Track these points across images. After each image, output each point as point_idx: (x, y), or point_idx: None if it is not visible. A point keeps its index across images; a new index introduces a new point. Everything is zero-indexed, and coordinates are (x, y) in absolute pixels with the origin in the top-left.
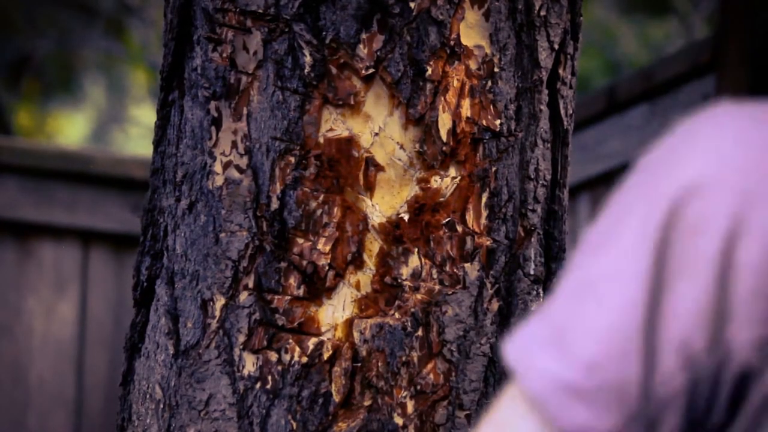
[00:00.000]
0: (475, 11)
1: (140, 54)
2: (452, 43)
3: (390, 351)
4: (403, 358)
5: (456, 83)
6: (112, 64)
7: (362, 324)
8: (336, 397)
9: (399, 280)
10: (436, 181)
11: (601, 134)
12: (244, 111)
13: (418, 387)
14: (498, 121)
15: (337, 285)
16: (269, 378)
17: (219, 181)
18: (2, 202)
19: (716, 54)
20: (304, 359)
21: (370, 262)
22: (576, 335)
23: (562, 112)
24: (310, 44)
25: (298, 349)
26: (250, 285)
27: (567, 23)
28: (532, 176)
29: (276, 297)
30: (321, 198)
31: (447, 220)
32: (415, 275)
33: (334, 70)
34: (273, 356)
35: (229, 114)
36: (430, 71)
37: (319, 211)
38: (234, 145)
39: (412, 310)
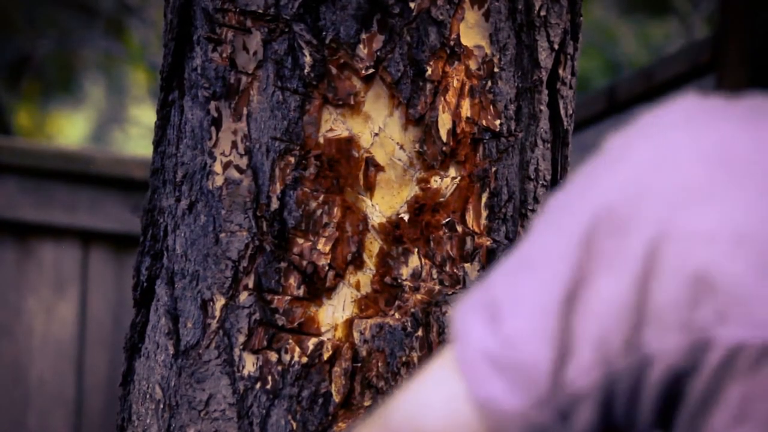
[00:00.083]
0: (475, 11)
1: (140, 54)
2: (452, 43)
3: (390, 351)
4: (403, 359)
5: (456, 83)
6: (112, 64)
7: (362, 324)
8: (336, 398)
9: (399, 281)
10: (436, 182)
11: (601, 134)
12: (244, 111)
13: None
14: (498, 122)
15: (337, 285)
16: (269, 378)
17: (219, 181)
18: (2, 202)
19: (716, 54)
20: (304, 359)
21: (370, 262)
22: (506, 308)
23: (562, 112)
24: (310, 44)
25: (298, 349)
26: (250, 285)
27: (567, 23)
28: (532, 176)
29: (276, 297)
30: (321, 198)
31: (447, 220)
32: (415, 275)
33: (334, 70)
34: (273, 356)
35: (229, 114)
36: (430, 71)
37: (319, 211)
38: (234, 145)
39: (412, 310)
